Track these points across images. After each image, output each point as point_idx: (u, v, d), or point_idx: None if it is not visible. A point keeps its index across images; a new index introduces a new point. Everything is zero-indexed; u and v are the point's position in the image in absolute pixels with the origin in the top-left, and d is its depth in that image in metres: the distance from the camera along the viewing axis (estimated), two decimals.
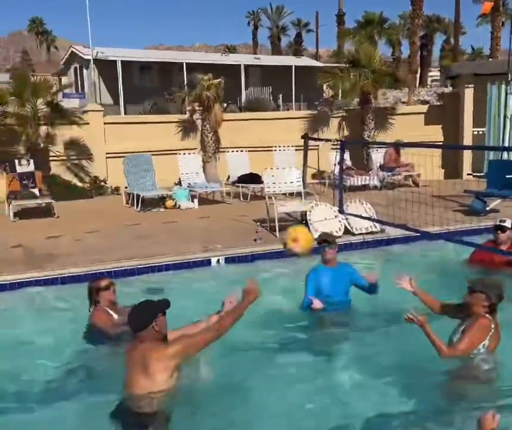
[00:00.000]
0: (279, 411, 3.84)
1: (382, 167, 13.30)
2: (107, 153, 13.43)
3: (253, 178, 12.03)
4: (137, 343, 3.54)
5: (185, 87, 19.47)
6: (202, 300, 5.73)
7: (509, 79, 10.24)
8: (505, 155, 10.75)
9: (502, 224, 6.40)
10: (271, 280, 6.56)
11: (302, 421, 3.76)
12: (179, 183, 12.33)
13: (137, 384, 3.46)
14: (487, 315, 3.85)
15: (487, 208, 9.10)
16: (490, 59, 32.06)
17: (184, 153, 12.75)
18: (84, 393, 4.09)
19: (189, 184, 11.92)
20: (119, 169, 12.07)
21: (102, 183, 13.19)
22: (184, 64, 26.06)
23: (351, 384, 4.15)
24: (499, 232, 6.37)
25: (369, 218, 7.79)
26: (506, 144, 10.98)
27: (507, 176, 9.28)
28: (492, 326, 3.84)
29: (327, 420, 3.72)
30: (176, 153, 12.66)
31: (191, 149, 13.52)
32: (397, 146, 12.67)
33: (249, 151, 13.31)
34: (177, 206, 11.05)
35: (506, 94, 10.59)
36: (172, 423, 3.51)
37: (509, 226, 6.38)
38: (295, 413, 3.83)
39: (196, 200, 11.17)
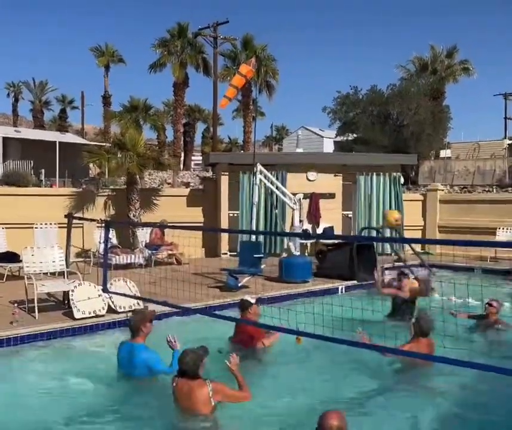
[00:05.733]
0: None
1: (147, 245, 13.75)
2: None
3: (10, 257, 11.32)
4: None
5: None
6: None
7: (255, 170, 11.74)
8: (253, 237, 12.16)
9: (247, 300, 6.93)
10: (32, 365, 6.34)
11: None
12: None
13: None
14: None
15: (239, 284, 10.05)
16: (242, 150, 35.92)
17: None
18: None
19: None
20: None
21: None
22: None
23: None
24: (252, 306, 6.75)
25: (132, 296, 8.03)
26: (254, 228, 12.43)
27: (255, 255, 10.52)
28: None
29: None
30: None
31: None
32: (162, 227, 13.32)
33: (6, 228, 12.53)
34: None
35: (253, 183, 12.09)
36: None
37: (253, 302, 6.90)
38: None
39: None
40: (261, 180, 12.06)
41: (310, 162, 16.03)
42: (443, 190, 17.85)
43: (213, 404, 4.70)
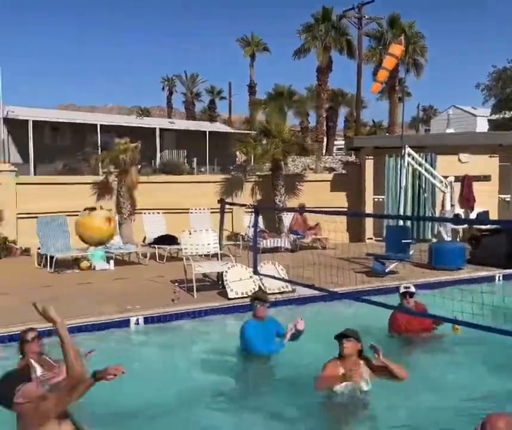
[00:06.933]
0: None
1: (290, 230, 14.03)
2: (17, 214, 13.16)
3: (169, 240, 12.26)
4: None
5: (99, 148, 19.55)
6: (120, 360, 5.88)
7: (403, 153, 11.38)
8: (400, 221, 11.80)
9: (408, 290, 6.53)
10: (191, 338, 6.87)
11: None
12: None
13: None
14: None
15: (386, 270, 9.86)
16: (388, 133, 34.87)
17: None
18: None
19: (105, 245, 11.92)
20: (30, 229, 11.89)
21: (12, 244, 12.84)
22: (99, 125, 26.12)
23: None
24: (407, 296, 6.45)
25: (281, 279, 8.28)
26: (402, 212, 12.07)
27: (403, 240, 10.22)
28: None
29: None
30: None
31: (107, 210, 13.54)
32: (304, 211, 13.49)
33: (165, 213, 13.57)
34: (92, 267, 11.01)
35: (401, 166, 11.73)
36: None
37: (414, 291, 6.59)
38: None
39: (111, 262, 11.19)
40: (409, 163, 11.66)
41: (461, 143, 15.14)
42: None
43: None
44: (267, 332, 5.95)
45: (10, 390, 3.12)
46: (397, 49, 10.64)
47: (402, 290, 6.57)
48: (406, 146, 11.45)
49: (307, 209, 13.38)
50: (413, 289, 6.60)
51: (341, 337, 4.70)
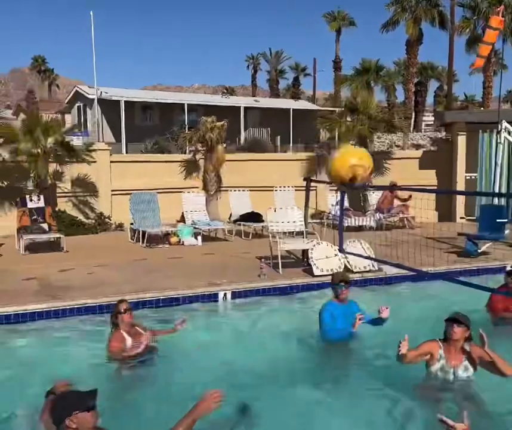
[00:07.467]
0: None
1: (377, 208, 13.75)
2: (112, 190, 13.86)
3: (254, 217, 12.43)
4: None
5: (186, 127, 20.04)
6: (209, 332, 6.17)
7: (499, 129, 10.81)
8: (495, 200, 11.23)
9: None
10: (277, 314, 6.98)
11: None
12: (182, 220, 12.74)
13: None
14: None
15: (479, 251, 9.49)
16: (482, 108, 33.06)
17: (188, 192, 13.21)
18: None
19: (193, 221, 12.32)
20: (123, 205, 12.50)
21: (107, 219, 13.58)
22: (186, 105, 26.78)
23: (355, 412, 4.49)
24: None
25: (368, 257, 8.17)
26: (497, 190, 11.48)
27: (497, 220, 9.74)
28: None
29: None
30: (178, 191, 13.13)
31: (194, 188, 13.97)
32: (393, 189, 13.16)
33: (250, 190, 13.75)
34: (181, 242, 11.42)
35: (497, 143, 11.15)
36: None
37: None
38: None
39: (199, 238, 11.54)
40: (505, 139, 11.04)
41: None
42: None
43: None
44: (347, 315, 5.76)
45: (68, 410, 2.96)
46: (496, 21, 10.11)
47: (509, 268, 6.33)
48: (503, 121, 10.85)
49: (398, 186, 13.00)
50: None
51: (452, 321, 4.48)
